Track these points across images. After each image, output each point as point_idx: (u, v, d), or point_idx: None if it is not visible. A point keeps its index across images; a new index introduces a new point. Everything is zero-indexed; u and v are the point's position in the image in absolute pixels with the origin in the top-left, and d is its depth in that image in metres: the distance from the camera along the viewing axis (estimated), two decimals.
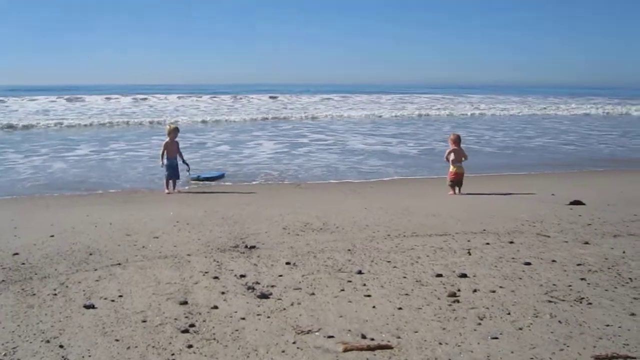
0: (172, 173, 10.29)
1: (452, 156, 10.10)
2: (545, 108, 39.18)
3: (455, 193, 9.98)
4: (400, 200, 8.93)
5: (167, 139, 10.41)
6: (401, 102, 45.49)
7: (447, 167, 10.31)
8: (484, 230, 6.71)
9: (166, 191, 10.15)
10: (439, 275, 4.94)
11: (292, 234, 6.54)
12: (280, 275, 4.98)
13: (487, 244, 6.04)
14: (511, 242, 6.09)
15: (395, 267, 5.21)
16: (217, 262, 5.39)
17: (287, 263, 5.32)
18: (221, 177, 11.48)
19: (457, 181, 10.02)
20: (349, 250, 5.79)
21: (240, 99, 44.99)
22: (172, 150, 10.38)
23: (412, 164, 14.06)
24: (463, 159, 10.18)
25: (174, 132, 10.46)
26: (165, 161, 10.31)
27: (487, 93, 64.16)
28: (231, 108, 36.08)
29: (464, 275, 4.92)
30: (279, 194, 9.80)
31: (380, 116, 30.88)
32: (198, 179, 11.27)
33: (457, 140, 10.24)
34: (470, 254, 5.62)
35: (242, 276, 4.95)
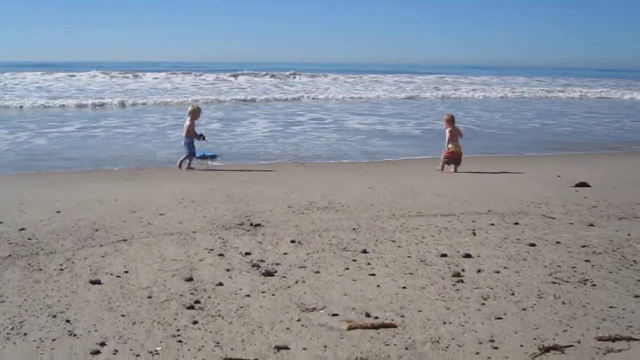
0: (193, 150, 10.41)
1: (448, 135, 10.30)
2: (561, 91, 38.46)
3: (442, 170, 10.09)
4: (405, 180, 8.94)
5: (188, 121, 10.44)
6: (400, 82, 45.25)
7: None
8: (489, 211, 6.72)
9: (184, 167, 10.28)
10: (444, 255, 4.94)
11: (297, 212, 6.56)
12: (285, 253, 4.98)
13: (492, 224, 6.04)
14: (516, 223, 6.09)
15: (399, 246, 5.22)
16: (222, 239, 5.40)
17: (292, 241, 5.33)
18: (213, 157, 11.48)
19: (454, 159, 10.17)
20: (354, 229, 5.81)
21: (232, 76, 43.69)
22: (190, 129, 10.44)
23: (416, 143, 14.05)
24: (459, 137, 10.38)
25: (197, 113, 10.54)
26: (187, 140, 10.36)
27: (499, 74, 63.34)
28: (216, 88, 34.86)
29: (468, 256, 4.92)
30: (284, 173, 9.81)
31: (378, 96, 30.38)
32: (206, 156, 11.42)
33: (452, 120, 10.43)
34: (474, 235, 5.63)
35: (247, 254, 4.96)
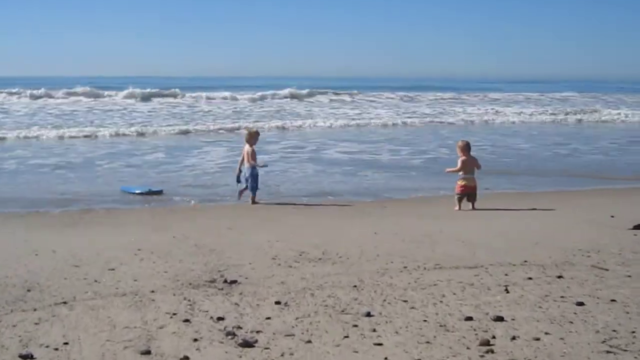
0: (256, 183, 11.30)
1: (459, 164, 10.75)
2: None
3: (460, 209, 10.54)
4: (418, 224, 8.95)
5: (247, 146, 11.37)
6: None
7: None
8: (525, 261, 6.70)
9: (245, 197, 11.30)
10: (469, 319, 4.89)
11: (284, 265, 6.54)
12: (268, 318, 4.93)
13: (529, 278, 6.02)
14: (559, 277, 6.07)
15: (413, 307, 5.18)
16: (189, 300, 5.34)
17: (277, 302, 5.30)
18: (158, 192, 11.97)
19: (467, 194, 10.65)
20: (355, 286, 5.78)
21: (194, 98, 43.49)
22: (253, 157, 11.31)
23: (421, 177, 14.26)
24: (476, 169, 10.84)
25: (256, 136, 11.54)
26: (248, 170, 11.22)
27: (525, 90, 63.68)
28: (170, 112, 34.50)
29: (500, 319, 4.87)
30: (267, 216, 9.86)
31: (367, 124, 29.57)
32: (133, 192, 11.92)
33: (467, 148, 10.88)
34: (507, 292, 5.60)
35: (220, 319, 4.91)
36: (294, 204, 11.14)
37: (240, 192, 11.34)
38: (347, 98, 47.11)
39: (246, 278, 6.06)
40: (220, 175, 14.14)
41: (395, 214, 10.03)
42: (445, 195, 11.64)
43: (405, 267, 6.45)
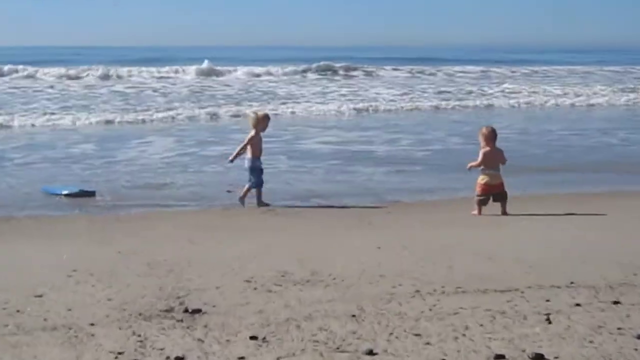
0: (260, 179, 11.66)
1: (481, 157, 10.84)
2: None
3: (480, 214, 10.68)
4: (432, 235, 8.95)
5: (253, 132, 11.67)
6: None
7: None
8: (572, 282, 6.68)
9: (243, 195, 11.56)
10: (500, 357, 4.85)
11: (261, 289, 6.51)
12: (242, 358, 4.85)
13: (577, 305, 5.98)
14: (616, 302, 6.03)
15: (428, 343, 5.13)
16: (139, 336, 5.27)
17: (253, 337, 5.23)
18: (91, 194, 12.12)
19: (490, 195, 10.74)
20: (354, 315, 5.73)
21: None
22: (258, 147, 11.70)
23: (432, 173, 14.41)
24: (501, 164, 10.92)
25: (264, 121, 11.86)
26: (248, 161, 11.58)
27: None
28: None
29: (539, 357, 4.82)
30: (239, 225, 9.84)
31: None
32: (58, 194, 12.05)
33: (492, 137, 10.91)
34: (549, 322, 5.56)
35: (180, 359, 4.85)
36: (273, 209, 11.16)
37: (243, 195, 11.47)
38: (339, 75, 47.69)
39: (213, 306, 5.98)
40: (178, 172, 14.18)
41: (402, 222, 10.03)
42: (466, 198, 11.60)
43: (417, 291, 6.40)
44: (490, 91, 37.23)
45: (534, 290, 6.43)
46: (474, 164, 10.97)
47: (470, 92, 36.63)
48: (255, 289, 6.54)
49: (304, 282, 6.74)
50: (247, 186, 11.53)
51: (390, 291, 6.44)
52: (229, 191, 12.27)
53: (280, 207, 11.50)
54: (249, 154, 11.62)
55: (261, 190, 11.60)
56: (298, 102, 30.36)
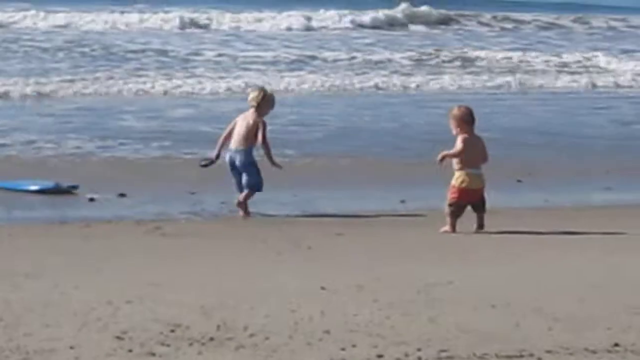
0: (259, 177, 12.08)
1: (460, 146, 10.72)
2: None
3: (454, 230, 10.66)
4: (406, 267, 8.75)
5: (254, 114, 12.26)
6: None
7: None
8: (616, 345, 6.33)
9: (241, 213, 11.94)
10: None
11: (139, 352, 6.12)
12: None
13: None
14: None
15: None
16: None
17: None
18: (73, 188, 12.92)
19: (466, 204, 10.75)
20: None
21: None
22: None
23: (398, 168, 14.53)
24: (482, 160, 10.93)
25: (268, 103, 12.45)
26: (241, 155, 12.14)
27: None
28: None
29: None
30: (104, 250, 9.63)
31: None
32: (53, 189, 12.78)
33: (468, 119, 10.90)
34: None
35: None
36: (156, 224, 11.02)
37: (245, 200, 11.86)
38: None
39: None
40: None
41: (358, 249, 9.86)
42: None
43: (379, 357, 6.11)
44: None
45: (559, 356, 6.22)
46: (450, 152, 10.80)
47: None
48: (130, 350, 6.16)
49: (205, 341, 6.31)
50: (246, 191, 11.95)
51: (339, 356, 6.12)
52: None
53: (172, 222, 11.34)
54: (236, 143, 12.13)
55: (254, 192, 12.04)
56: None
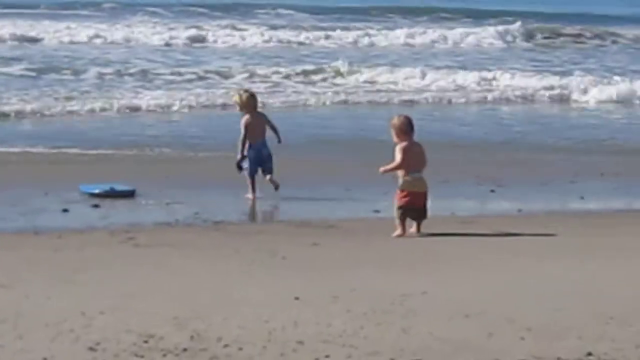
0: (259, 163, 13.45)
1: (400, 155, 10.97)
2: None
3: (405, 232, 10.97)
4: (381, 276, 8.78)
5: (247, 116, 13.45)
6: None
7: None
8: (589, 354, 6.44)
9: (250, 196, 13.30)
10: None
11: None
12: None
13: None
14: None
15: None
16: None
17: None
18: (128, 194, 13.40)
19: (414, 209, 11.02)
20: None
21: None
22: (257, 130, 13.53)
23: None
24: (422, 165, 11.20)
25: (251, 101, 13.77)
26: (245, 151, 13.35)
27: None
28: None
29: None
30: (77, 260, 9.60)
31: None
32: (109, 193, 13.18)
33: (407, 129, 11.13)
34: None
35: None
36: (129, 234, 10.94)
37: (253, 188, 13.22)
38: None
39: None
40: None
41: (333, 257, 9.92)
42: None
43: None
44: None
45: None
46: (390, 166, 11.09)
47: None
48: None
49: (179, 352, 6.38)
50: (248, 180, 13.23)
51: None
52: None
53: (145, 232, 11.25)
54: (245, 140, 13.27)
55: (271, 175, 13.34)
56: None
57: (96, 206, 12.74)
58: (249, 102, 13.69)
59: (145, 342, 6.63)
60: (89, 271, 9.09)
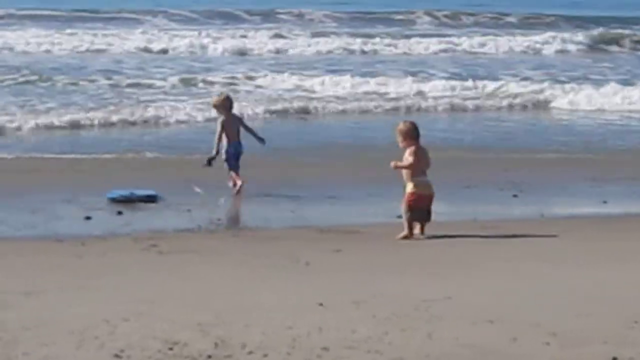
0: (237, 158, 14.40)
1: (411, 159, 11.29)
2: None
3: (412, 235, 11.27)
4: (402, 283, 8.73)
5: (223, 117, 14.41)
6: None
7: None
8: (614, 359, 6.44)
9: (239, 182, 14.09)
10: None
11: None
12: None
13: None
14: None
15: None
16: None
17: None
18: (150, 199, 13.58)
19: (421, 210, 11.22)
20: None
21: None
22: (232, 130, 14.48)
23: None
24: (426, 167, 11.45)
25: (226, 102, 14.86)
26: (222, 146, 14.38)
27: None
28: None
29: None
30: (97, 267, 9.63)
31: None
32: (129, 198, 13.34)
33: (414, 134, 11.44)
34: None
35: None
36: (152, 241, 10.91)
37: (235, 181, 13.97)
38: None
39: None
40: None
41: (356, 264, 9.87)
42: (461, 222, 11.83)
43: None
44: None
45: None
46: (403, 164, 11.37)
47: None
48: None
49: (203, 359, 6.38)
50: (231, 174, 14.11)
51: None
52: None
53: (168, 238, 11.24)
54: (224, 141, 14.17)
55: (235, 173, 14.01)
56: None
57: (119, 213, 12.74)
58: (224, 104, 14.67)
59: (170, 349, 6.63)
60: (112, 278, 9.12)
